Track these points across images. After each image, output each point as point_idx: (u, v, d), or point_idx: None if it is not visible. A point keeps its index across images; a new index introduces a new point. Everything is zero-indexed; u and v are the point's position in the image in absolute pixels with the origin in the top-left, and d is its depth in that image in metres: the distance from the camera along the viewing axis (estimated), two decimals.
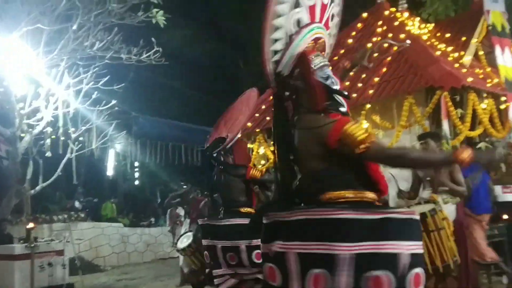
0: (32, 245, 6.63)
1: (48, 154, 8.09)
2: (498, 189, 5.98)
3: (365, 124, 6.58)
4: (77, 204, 12.90)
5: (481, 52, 7.88)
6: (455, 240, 4.39)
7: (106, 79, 8.01)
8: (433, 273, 4.36)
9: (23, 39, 6.91)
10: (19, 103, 7.71)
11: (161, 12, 7.52)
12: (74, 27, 7.05)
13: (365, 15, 8.91)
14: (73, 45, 7.36)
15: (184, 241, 6.66)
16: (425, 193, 5.05)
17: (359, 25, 8.80)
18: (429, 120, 6.35)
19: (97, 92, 8.07)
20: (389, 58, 7.04)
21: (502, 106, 6.97)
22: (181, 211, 8.57)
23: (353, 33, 8.65)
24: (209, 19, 17.68)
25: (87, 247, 10.53)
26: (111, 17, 7.46)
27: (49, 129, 8.03)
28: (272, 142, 2.41)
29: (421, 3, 10.94)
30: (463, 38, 7.88)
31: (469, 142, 6.57)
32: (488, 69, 7.47)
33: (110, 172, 13.80)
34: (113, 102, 8.41)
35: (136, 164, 15.75)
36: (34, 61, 7.11)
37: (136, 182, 17.08)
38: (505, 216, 5.87)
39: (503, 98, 6.94)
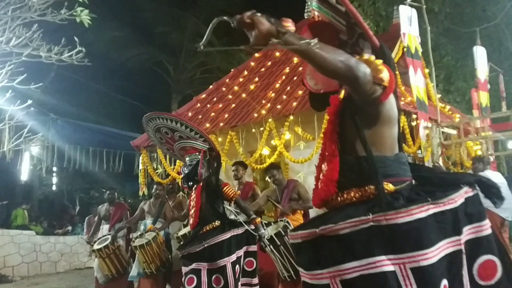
0: None
1: None
2: None
3: None
4: None
5: (397, 72, 8.38)
6: None
7: (22, 77, 7.56)
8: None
9: None
10: None
11: (86, 11, 7.22)
12: None
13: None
14: None
15: (102, 242, 6.49)
16: None
17: None
18: None
19: (11, 91, 7.58)
20: None
21: (414, 123, 7.48)
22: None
23: None
24: (140, 24, 17.33)
25: None
26: (31, 13, 7.06)
27: None
28: None
29: None
30: None
31: None
32: (403, 88, 7.99)
33: (24, 176, 12.91)
34: (29, 102, 7.95)
35: (54, 169, 14.96)
36: None
37: (53, 188, 16.17)
38: None
39: (414, 116, 7.44)
